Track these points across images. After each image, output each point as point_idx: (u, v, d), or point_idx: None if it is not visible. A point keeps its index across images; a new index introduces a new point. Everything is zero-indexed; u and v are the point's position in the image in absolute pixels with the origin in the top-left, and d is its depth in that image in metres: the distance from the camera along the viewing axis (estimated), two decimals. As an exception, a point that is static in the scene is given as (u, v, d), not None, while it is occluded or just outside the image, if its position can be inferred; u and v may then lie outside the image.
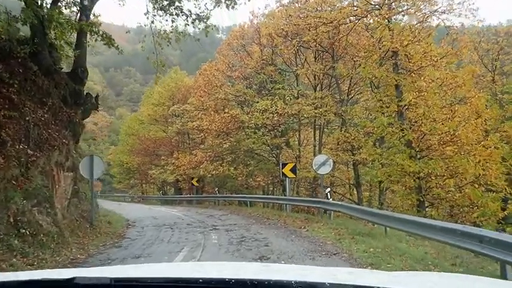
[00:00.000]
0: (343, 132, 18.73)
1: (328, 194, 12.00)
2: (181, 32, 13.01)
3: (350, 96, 21.52)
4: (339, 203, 10.60)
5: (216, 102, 22.10)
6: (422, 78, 12.86)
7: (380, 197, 18.06)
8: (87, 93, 10.42)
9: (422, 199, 12.31)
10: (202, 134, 23.18)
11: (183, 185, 28.98)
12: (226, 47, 23.39)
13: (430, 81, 12.62)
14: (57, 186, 8.77)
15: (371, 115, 23.93)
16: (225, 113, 19.72)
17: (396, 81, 13.15)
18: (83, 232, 9.56)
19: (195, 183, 25.92)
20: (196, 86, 24.40)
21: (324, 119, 18.61)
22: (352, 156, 18.36)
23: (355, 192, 22.67)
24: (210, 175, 20.97)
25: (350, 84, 22.31)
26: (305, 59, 22.26)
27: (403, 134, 12.59)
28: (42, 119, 8.66)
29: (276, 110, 18.21)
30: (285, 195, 20.94)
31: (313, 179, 22.07)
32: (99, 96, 11.22)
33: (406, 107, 13.38)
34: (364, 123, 15.09)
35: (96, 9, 22.71)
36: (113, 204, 32.32)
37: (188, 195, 28.74)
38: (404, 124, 13.00)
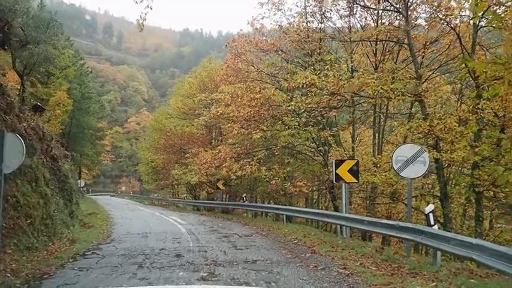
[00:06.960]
0: (419, 121, 12.88)
1: (431, 215, 6.33)
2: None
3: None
4: (469, 240, 4.89)
5: (246, 85, 17.15)
6: None
7: (478, 218, 11.94)
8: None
9: None
10: (229, 125, 18.32)
11: (207, 187, 24.20)
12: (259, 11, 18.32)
13: None
14: None
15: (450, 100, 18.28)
16: (256, 92, 14.53)
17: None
18: None
19: (221, 187, 21.03)
20: (224, 61, 19.69)
21: (399, 98, 12.69)
22: (439, 154, 12.28)
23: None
24: (234, 176, 15.91)
25: (421, 63, 16.44)
26: (364, 26, 16.61)
27: None
28: None
29: (326, 85, 12.66)
30: (334, 207, 15.31)
31: (371, 186, 16.42)
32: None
33: None
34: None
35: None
36: (134, 207, 28.61)
37: (209, 201, 23.98)
38: None
